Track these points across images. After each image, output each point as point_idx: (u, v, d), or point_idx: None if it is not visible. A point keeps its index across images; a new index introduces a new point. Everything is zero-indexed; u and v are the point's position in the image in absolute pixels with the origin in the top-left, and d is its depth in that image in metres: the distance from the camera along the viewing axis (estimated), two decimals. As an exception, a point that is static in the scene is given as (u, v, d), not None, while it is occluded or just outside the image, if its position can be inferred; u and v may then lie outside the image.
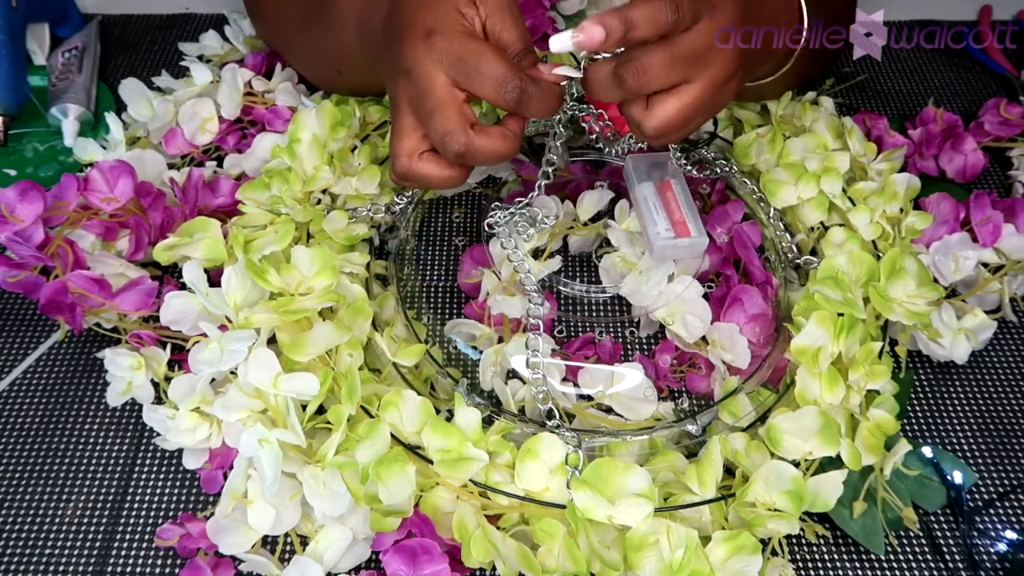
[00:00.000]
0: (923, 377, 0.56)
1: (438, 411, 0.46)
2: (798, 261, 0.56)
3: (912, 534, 0.49)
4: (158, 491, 0.50)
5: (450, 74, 0.43)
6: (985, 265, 0.58)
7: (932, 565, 0.48)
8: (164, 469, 0.51)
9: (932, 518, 0.50)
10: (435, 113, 0.43)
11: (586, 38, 0.41)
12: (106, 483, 0.50)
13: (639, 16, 0.41)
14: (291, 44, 0.65)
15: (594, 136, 0.54)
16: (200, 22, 0.79)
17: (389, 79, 0.47)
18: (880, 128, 0.65)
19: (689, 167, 0.58)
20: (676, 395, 0.54)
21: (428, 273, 0.60)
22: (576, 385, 0.52)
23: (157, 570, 0.47)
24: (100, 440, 0.52)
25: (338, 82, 0.63)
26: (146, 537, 0.48)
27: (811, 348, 0.47)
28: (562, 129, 0.52)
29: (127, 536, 0.48)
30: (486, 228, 0.54)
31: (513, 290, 0.54)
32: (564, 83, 0.46)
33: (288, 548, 0.47)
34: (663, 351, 0.55)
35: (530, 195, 0.54)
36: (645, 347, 0.56)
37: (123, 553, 0.47)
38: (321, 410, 0.45)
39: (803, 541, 0.48)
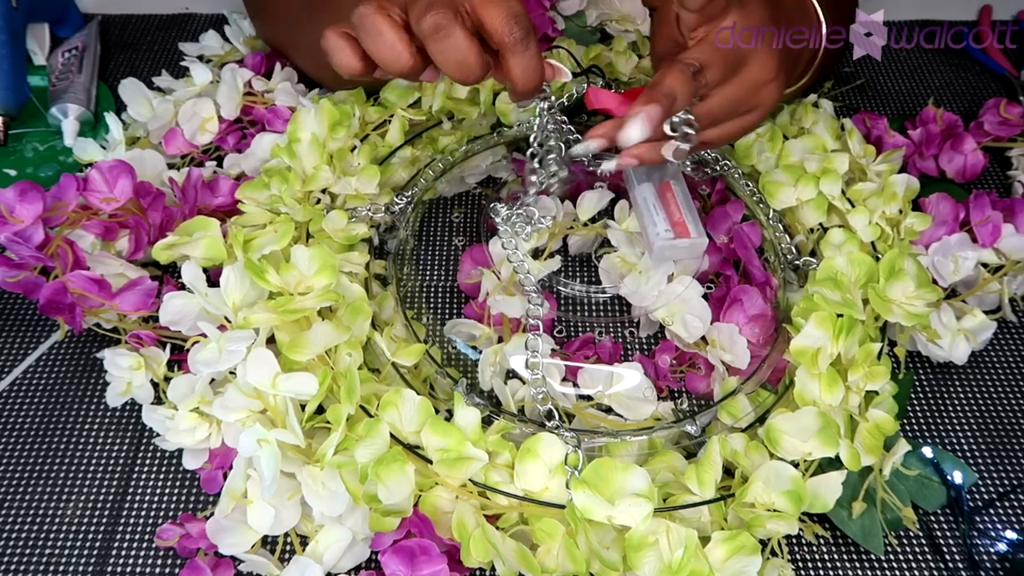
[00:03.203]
0: (923, 377, 0.56)
1: (437, 411, 0.46)
2: (797, 262, 0.56)
3: (912, 534, 0.49)
4: (158, 491, 0.50)
5: None
6: (985, 265, 0.58)
7: (932, 565, 0.48)
8: (164, 469, 0.51)
9: (932, 518, 0.50)
10: None
11: (626, 136, 0.42)
12: (106, 483, 0.50)
13: (677, 94, 0.42)
14: (296, 36, 0.65)
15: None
16: (200, 22, 0.79)
17: None
18: (880, 128, 0.65)
19: (688, 166, 0.58)
20: (676, 395, 0.54)
21: (428, 273, 0.60)
22: (576, 385, 0.52)
23: (157, 570, 0.47)
24: (100, 440, 0.52)
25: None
26: (146, 537, 0.48)
27: (810, 349, 0.47)
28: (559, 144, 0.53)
29: (127, 536, 0.48)
30: (490, 213, 0.55)
31: (513, 290, 0.54)
32: (549, 74, 0.45)
33: (288, 548, 0.47)
34: (663, 351, 0.55)
35: (536, 186, 0.54)
36: (645, 347, 0.56)
37: (123, 553, 0.47)
38: (320, 410, 0.45)
39: (802, 541, 0.48)
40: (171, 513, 0.49)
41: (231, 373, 0.46)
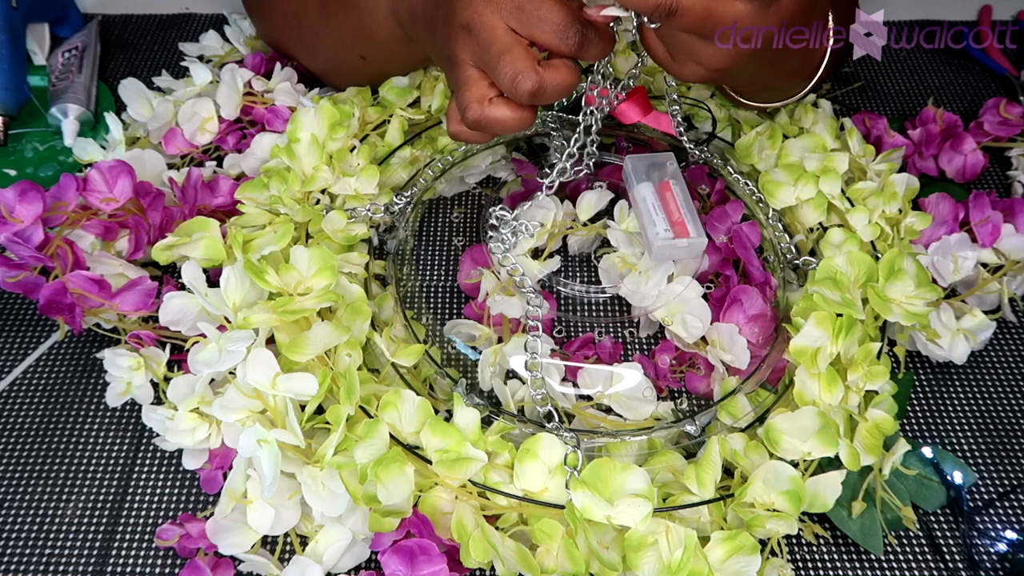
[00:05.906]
0: (923, 377, 0.56)
1: (437, 411, 0.46)
2: (797, 262, 0.56)
3: (912, 534, 0.49)
4: (158, 491, 0.50)
5: (511, 22, 0.44)
6: (984, 265, 0.58)
7: (932, 565, 0.48)
8: (164, 469, 0.51)
9: (932, 518, 0.50)
10: (503, 57, 0.44)
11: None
12: (106, 483, 0.50)
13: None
14: (305, 37, 0.65)
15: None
16: (200, 22, 0.79)
17: (444, 40, 0.47)
18: (880, 128, 0.65)
19: (691, 147, 0.58)
20: (675, 395, 0.54)
21: (427, 273, 0.60)
22: (575, 385, 0.52)
23: (157, 570, 0.47)
24: (100, 440, 0.52)
25: (359, 70, 0.63)
26: (146, 537, 0.48)
27: (810, 348, 0.47)
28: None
29: (127, 536, 0.48)
30: (486, 220, 0.55)
31: (512, 290, 0.54)
32: (612, 24, 0.46)
33: (288, 548, 0.47)
34: (662, 351, 0.55)
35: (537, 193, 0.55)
36: (644, 347, 0.56)
37: (123, 553, 0.47)
38: (320, 410, 0.45)
39: (802, 541, 0.48)
40: (171, 513, 0.49)
41: (231, 373, 0.46)
